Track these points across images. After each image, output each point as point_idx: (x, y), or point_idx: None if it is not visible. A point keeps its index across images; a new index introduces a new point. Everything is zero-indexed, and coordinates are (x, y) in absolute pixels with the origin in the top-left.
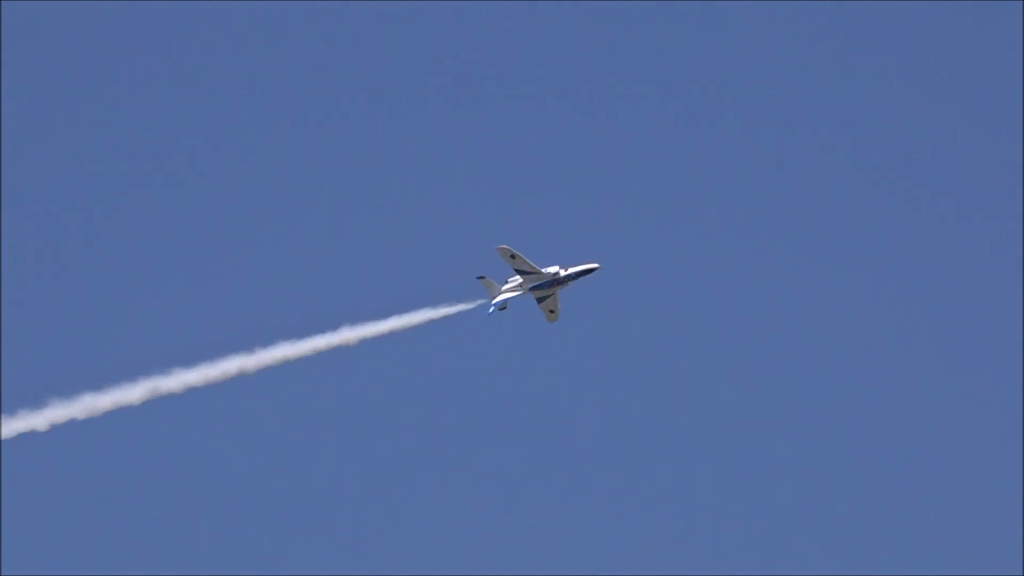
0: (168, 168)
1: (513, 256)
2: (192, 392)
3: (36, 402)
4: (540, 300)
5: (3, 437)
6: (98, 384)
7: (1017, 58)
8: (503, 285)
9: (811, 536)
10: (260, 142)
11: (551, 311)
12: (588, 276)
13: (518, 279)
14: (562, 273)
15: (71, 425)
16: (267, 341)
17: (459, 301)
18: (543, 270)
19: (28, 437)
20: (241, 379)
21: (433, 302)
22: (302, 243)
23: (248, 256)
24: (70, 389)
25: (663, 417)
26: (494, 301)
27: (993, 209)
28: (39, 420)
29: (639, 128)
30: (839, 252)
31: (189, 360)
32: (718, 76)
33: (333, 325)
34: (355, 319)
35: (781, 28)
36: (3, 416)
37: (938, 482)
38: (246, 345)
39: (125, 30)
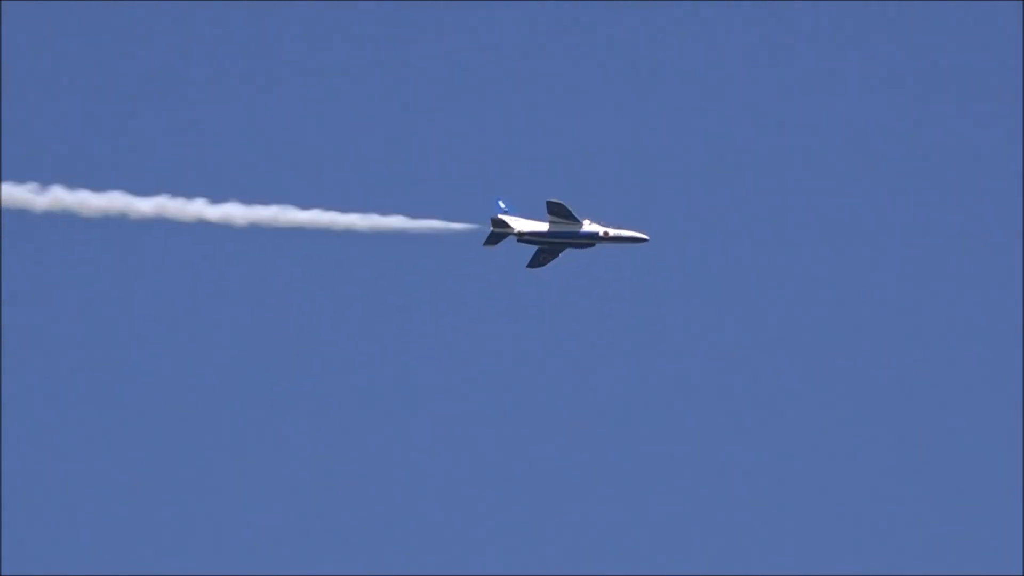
0: (168, 167)
1: (558, 213)
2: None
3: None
4: (543, 251)
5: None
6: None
7: (1017, 58)
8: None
9: (813, 536)
10: (265, 141)
11: (545, 257)
12: (628, 245)
13: (537, 225)
14: (604, 232)
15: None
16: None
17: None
18: (582, 226)
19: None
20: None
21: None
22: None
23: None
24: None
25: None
26: (497, 226)
27: (993, 210)
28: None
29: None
30: (837, 251)
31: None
32: (717, 72)
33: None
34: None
35: (778, 25)
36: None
37: (938, 483)
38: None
39: (124, 30)
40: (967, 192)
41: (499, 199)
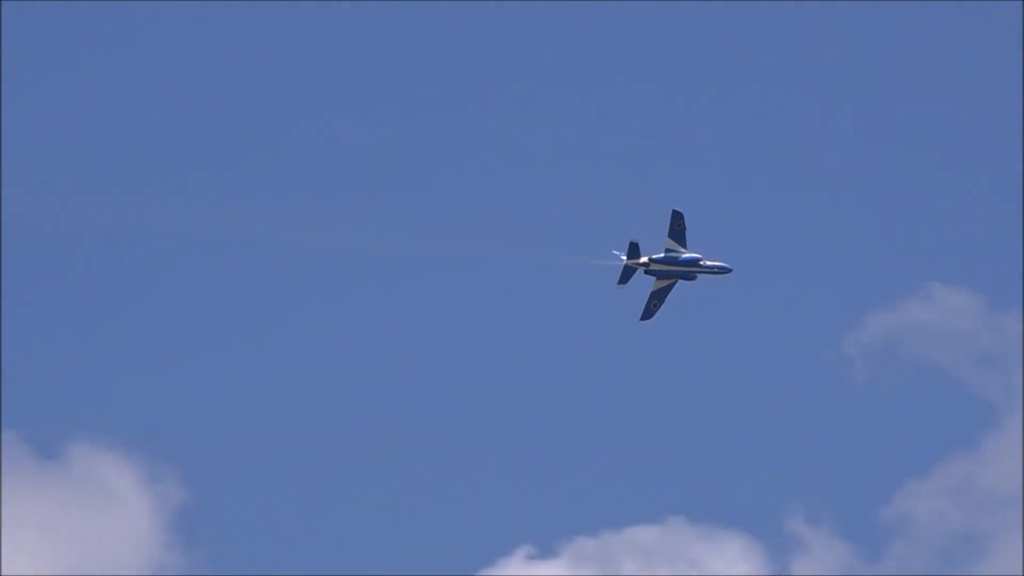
0: (170, 170)
1: (679, 224)
2: None
3: None
4: (657, 289)
5: None
6: None
7: (1017, 58)
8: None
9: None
10: (265, 143)
11: (655, 304)
12: (715, 277)
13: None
14: (703, 262)
15: None
16: None
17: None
18: (687, 252)
19: None
20: None
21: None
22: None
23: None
24: None
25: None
26: (625, 262)
27: (993, 209)
28: None
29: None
30: (839, 254)
31: None
32: (719, 70)
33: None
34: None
35: (781, 27)
36: None
37: (940, 483)
38: None
39: (124, 30)
40: (967, 193)
41: (614, 251)
